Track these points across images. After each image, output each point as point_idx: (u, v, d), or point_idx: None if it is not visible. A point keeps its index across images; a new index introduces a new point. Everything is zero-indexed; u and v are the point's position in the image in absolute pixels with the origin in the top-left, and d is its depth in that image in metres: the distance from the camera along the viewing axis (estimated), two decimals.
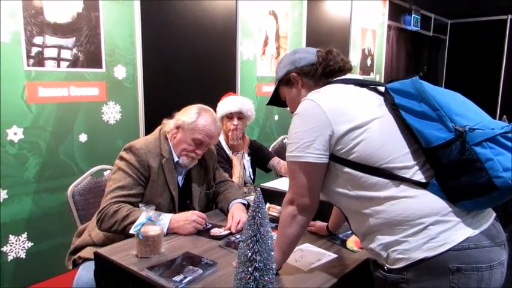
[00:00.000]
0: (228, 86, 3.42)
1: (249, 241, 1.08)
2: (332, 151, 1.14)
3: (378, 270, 1.13)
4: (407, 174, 1.08)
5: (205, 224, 1.70)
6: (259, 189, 1.12)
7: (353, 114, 1.13)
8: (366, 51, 5.33)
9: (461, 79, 7.21)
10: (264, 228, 1.08)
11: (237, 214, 1.72)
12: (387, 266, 1.10)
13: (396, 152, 1.09)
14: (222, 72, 3.38)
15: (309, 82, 1.31)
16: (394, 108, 1.13)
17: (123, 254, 1.44)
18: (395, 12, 5.92)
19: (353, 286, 1.35)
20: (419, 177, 1.08)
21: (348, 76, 1.27)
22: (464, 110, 1.06)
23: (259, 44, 3.69)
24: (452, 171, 1.02)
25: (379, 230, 1.10)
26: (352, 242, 1.56)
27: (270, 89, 3.86)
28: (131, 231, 1.42)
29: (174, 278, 1.23)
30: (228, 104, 2.27)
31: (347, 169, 1.13)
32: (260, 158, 2.47)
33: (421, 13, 6.57)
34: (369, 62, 5.41)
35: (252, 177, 2.42)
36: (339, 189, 1.17)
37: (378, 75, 5.62)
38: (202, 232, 1.65)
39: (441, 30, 7.52)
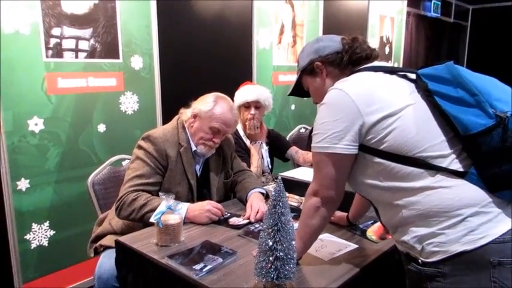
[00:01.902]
0: (245, 75, 3.39)
1: (270, 230, 1.07)
2: (362, 141, 1.10)
3: (411, 264, 1.09)
4: (443, 163, 1.04)
5: (224, 214, 1.70)
6: (280, 178, 1.10)
7: (384, 102, 1.08)
8: (384, 39, 5.22)
9: (482, 67, 6.95)
10: (285, 217, 1.08)
11: (256, 203, 1.71)
12: (422, 259, 1.05)
13: (431, 140, 1.05)
14: (238, 61, 3.36)
15: (334, 71, 1.27)
16: (427, 95, 1.08)
17: (143, 242, 1.45)
18: None
19: (374, 277, 1.33)
20: (457, 166, 1.03)
21: (376, 63, 1.23)
22: (504, 95, 1.01)
23: (275, 32, 3.64)
24: (493, 159, 0.98)
25: (413, 222, 1.06)
26: (372, 232, 1.53)
27: (286, 78, 3.82)
28: (151, 219, 1.42)
29: (194, 267, 1.24)
30: (245, 93, 2.25)
31: (378, 159, 1.09)
32: (278, 148, 2.46)
33: None
34: (387, 49, 5.30)
35: (270, 166, 2.41)
36: (369, 180, 1.13)
37: (396, 63, 5.51)
38: (221, 221, 1.65)
39: (462, 17, 7.31)
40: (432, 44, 6.61)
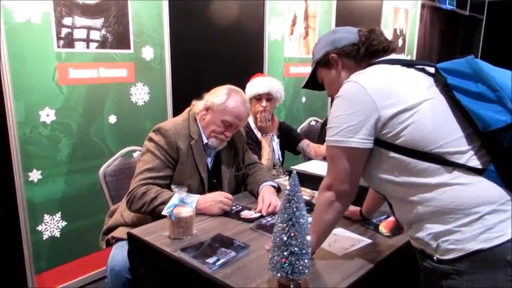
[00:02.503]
0: (256, 66, 3.36)
1: (285, 225, 1.05)
2: (377, 135, 1.08)
3: (426, 260, 1.07)
4: (461, 159, 1.01)
5: (235, 206, 1.68)
6: (295, 172, 1.08)
7: (401, 96, 1.05)
8: (398, 31, 5.14)
9: (497, 61, 6.81)
10: (299, 212, 1.06)
11: (268, 196, 1.69)
12: (437, 256, 1.03)
13: (449, 135, 1.02)
14: (249, 52, 3.32)
15: (350, 63, 1.24)
16: (446, 89, 1.05)
17: (155, 234, 1.44)
18: None
19: (388, 273, 1.31)
20: (475, 163, 1.01)
21: (393, 56, 1.19)
22: None
23: (287, 23, 3.60)
24: None
25: (428, 219, 1.04)
26: (383, 226, 1.51)
27: (297, 70, 3.78)
28: (163, 212, 1.41)
29: (207, 260, 1.22)
30: (256, 85, 2.22)
31: (393, 154, 1.06)
32: (289, 140, 2.43)
33: None
34: (400, 42, 5.21)
35: (280, 159, 2.38)
36: (384, 175, 1.11)
37: (409, 56, 5.42)
38: (233, 214, 1.63)
39: (478, 9, 7.14)
40: (446, 37, 6.48)
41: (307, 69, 3.90)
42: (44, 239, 2.30)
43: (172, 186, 1.45)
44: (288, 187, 1.07)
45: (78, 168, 2.38)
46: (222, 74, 3.04)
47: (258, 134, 2.28)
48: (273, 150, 2.27)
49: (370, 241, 1.40)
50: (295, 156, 2.71)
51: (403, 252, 1.36)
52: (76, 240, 2.43)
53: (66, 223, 2.38)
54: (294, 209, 1.05)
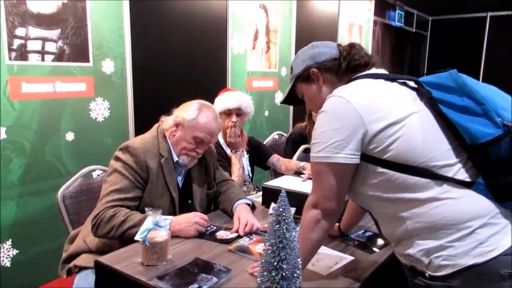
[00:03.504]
0: (219, 80, 3.32)
1: (275, 248, 1.00)
2: (364, 150, 1.06)
3: (417, 277, 1.05)
4: (449, 172, 1.01)
5: (209, 227, 1.61)
6: (284, 192, 1.03)
7: (388, 110, 1.05)
8: None
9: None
10: (290, 233, 1.01)
11: (244, 215, 1.63)
12: (429, 273, 1.02)
13: (437, 148, 1.02)
14: (213, 66, 3.28)
15: (331, 78, 1.22)
16: (432, 103, 1.05)
17: (127, 262, 1.33)
18: (381, 7, 5.93)
19: None
20: (463, 176, 1.01)
21: (374, 71, 1.19)
22: (506, 104, 1.00)
23: (249, 38, 3.59)
24: (502, 168, 0.97)
25: (418, 235, 1.03)
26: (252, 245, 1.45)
27: (260, 84, 3.78)
28: (136, 237, 1.31)
29: None
30: (226, 100, 2.17)
31: (381, 169, 1.05)
32: (259, 156, 2.39)
33: (405, 9, 6.61)
34: None
35: (250, 175, 2.33)
36: (370, 191, 1.09)
37: None
38: (207, 235, 1.55)
39: (423, 27, 7.60)
40: (397, 52, 6.81)
41: (270, 83, 3.94)
42: None
43: (146, 209, 1.35)
44: (278, 208, 1.02)
45: (32, 190, 2.20)
46: (186, 88, 2.97)
47: (228, 150, 2.23)
48: (243, 166, 2.21)
49: (352, 258, 1.38)
50: (262, 171, 2.67)
51: (386, 268, 1.35)
52: (29, 270, 2.22)
53: (17, 251, 2.18)
54: (284, 231, 1.00)
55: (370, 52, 1.26)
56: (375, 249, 1.46)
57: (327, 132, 1.08)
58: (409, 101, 1.09)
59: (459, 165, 1.02)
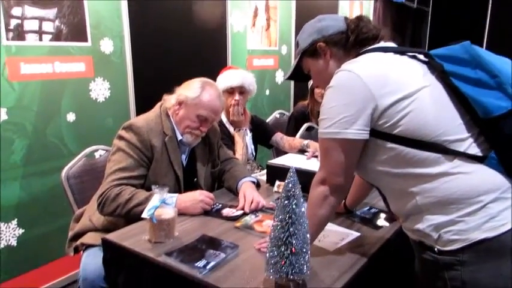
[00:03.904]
0: (220, 59, 3.28)
1: (284, 223, 1.00)
2: (373, 125, 1.04)
3: (425, 252, 1.05)
4: (461, 147, 0.99)
5: (215, 204, 1.62)
6: (293, 168, 1.03)
7: (398, 83, 1.02)
8: None
9: None
10: (299, 209, 1.01)
11: (249, 193, 1.63)
12: (438, 247, 1.02)
13: (448, 123, 1.01)
14: (213, 45, 3.23)
15: (338, 52, 1.19)
16: (443, 76, 1.03)
17: (134, 239, 1.34)
18: None
19: (382, 265, 1.30)
20: (475, 150, 1.00)
21: (383, 44, 1.16)
22: None
23: (249, 15, 3.53)
24: None
25: (428, 210, 1.02)
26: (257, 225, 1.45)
27: (260, 62, 3.74)
28: (144, 215, 1.31)
29: (196, 264, 1.15)
30: (229, 78, 2.14)
31: (390, 144, 1.03)
32: (262, 134, 2.38)
33: None
34: None
35: (253, 154, 2.33)
36: (380, 167, 1.08)
37: None
38: (213, 213, 1.56)
39: (424, 2, 7.47)
40: (398, 29, 6.71)
41: (270, 62, 3.89)
42: (0, 248, 2.10)
43: (153, 187, 1.35)
44: (287, 183, 1.02)
45: (35, 171, 2.20)
46: (186, 67, 2.94)
47: (231, 129, 2.21)
48: (246, 145, 2.21)
49: (358, 234, 1.39)
50: (265, 149, 2.67)
51: (393, 243, 1.36)
52: (35, 248, 2.25)
53: (23, 230, 2.19)
54: (294, 206, 1.00)
55: None
56: (380, 225, 1.46)
57: (335, 108, 1.06)
58: (420, 74, 1.06)
59: (471, 140, 1.01)
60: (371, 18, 5.55)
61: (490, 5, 6.84)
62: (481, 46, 6.71)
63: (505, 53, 1.04)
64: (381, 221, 1.50)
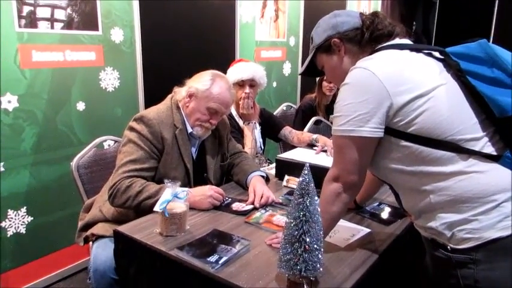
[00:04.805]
0: (228, 50, 3.26)
1: (298, 221, 1.01)
2: (388, 123, 1.04)
3: (438, 250, 1.06)
4: (476, 146, 1.00)
5: (225, 198, 1.62)
6: (307, 165, 1.03)
7: (414, 82, 1.02)
8: None
9: (451, 42, 7.11)
10: (313, 207, 1.01)
11: (259, 188, 1.64)
12: (451, 245, 1.02)
13: (464, 122, 1.01)
14: (221, 35, 3.21)
15: (353, 49, 1.19)
16: (459, 75, 1.03)
17: (145, 232, 1.35)
18: None
19: (392, 262, 1.31)
20: (490, 149, 1.00)
21: (398, 41, 1.16)
22: None
23: (258, 5, 3.50)
24: None
25: (441, 208, 1.03)
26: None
27: (268, 54, 3.72)
28: (156, 208, 1.32)
29: (208, 259, 1.16)
30: (239, 70, 2.13)
31: (405, 142, 1.03)
32: (271, 128, 2.37)
33: None
34: None
35: (262, 147, 2.33)
36: (393, 164, 1.08)
37: None
38: (223, 207, 1.57)
39: None
40: (406, 20, 6.64)
41: (278, 53, 3.87)
42: (9, 236, 2.13)
43: (166, 181, 1.35)
44: (301, 181, 1.02)
45: (45, 159, 2.21)
46: (194, 58, 2.93)
47: (240, 122, 2.21)
48: (255, 138, 2.21)
49: (368, 230, 1.40)
50: (272, 143, 2.67)
51: (402, 240, 1.37)
52: (44, 236, 2.27)
53: (32, 218, 2.21)
54: (308, 204, 1.01)
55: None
56: (390, 221, 1.47)
57: (351, 105, 1.06)
58: (436, 72, 1.06)
59: (486, 139, 1.01)
60: (379, 9, 5.50)
61: None
62: (489, 37, 6.67)
63: None
64: (391, 217, 1.50)
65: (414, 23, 7.03)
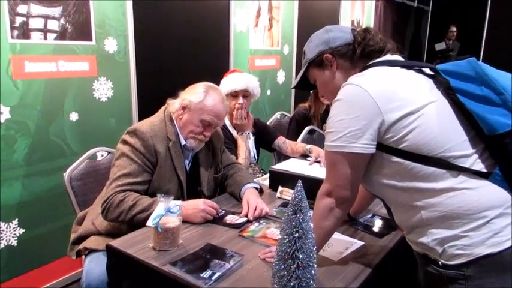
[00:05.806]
0: (222, 59, 3.27)
1: (291, 237, 1.01)
2: (380, 140, 1.05)
3: (430, 265, 1.07)
4: (466, 163, 1.01)
5: (218, 212, 1.61)
6: (300, 181, 1.03)
7: (405, 99, 1.03)
8: (355, 23, 5.23)
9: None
10: (306, 223, 1.02)
11: (253, 200, 1.63)
12: (442, 261, 1.03)
13: (454, 139, 1.02)
14: (215, 44, 3.21)
15: (344, 64, 1.20)
16: (449, 92, 1.04)
17: (138, 246, 1.34)
18: None
19: (387, 274, 1.31)
20: (480, 166, 1.01)
21: (389, 57, 1.17)
22: None
23: (252, 14, 3.52)
24: None
25: (433, 224, 1.04)
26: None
27: (262, 62, 3.73)
28: (149, 223, 1.31)
29: (201, 275, 1.16)
30: (233, 81, 2.14)
31: (396, 159, 1.04)
32: (265, 138, 2.37)
33: None
34: None
35: (256, 157, 2.33)
36: (385, 180, 1.09)
37: None
38: (216, 220, 1.56)
39: (424, 1, 7.48)
40: (398, 28, 6.72)
41: (272, 62, 3.89)
42: (0, 248, 2.10)
43: (158, 195, 1.35)
44: (294, 197, 1.02)
45: (37, 170, 2.19)
46: (189, 67, 2.93)
47: (234, 132, 2.21)
48: (249, 148, 2.21)
49: (362, 243, 1.40)
50: (266, 152, 2.67)
51: (396, 253, 1.37)
52: (35, 249, 2.24)
53: (24, 230, 2.19)
54: (301, 221, 1.01)
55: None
56: (383, 233, 1.47)
57: (343, 122, 1.07)
58: (427, 90, 1.07)
59: (475, 156, 1.02)
60: (372, 17, 5.56)
61: (489, 4, 6.83)
62: (480, 45, 6.74)
63: (503, 52, 1.05)
64: (384, 229, 1.51)
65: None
